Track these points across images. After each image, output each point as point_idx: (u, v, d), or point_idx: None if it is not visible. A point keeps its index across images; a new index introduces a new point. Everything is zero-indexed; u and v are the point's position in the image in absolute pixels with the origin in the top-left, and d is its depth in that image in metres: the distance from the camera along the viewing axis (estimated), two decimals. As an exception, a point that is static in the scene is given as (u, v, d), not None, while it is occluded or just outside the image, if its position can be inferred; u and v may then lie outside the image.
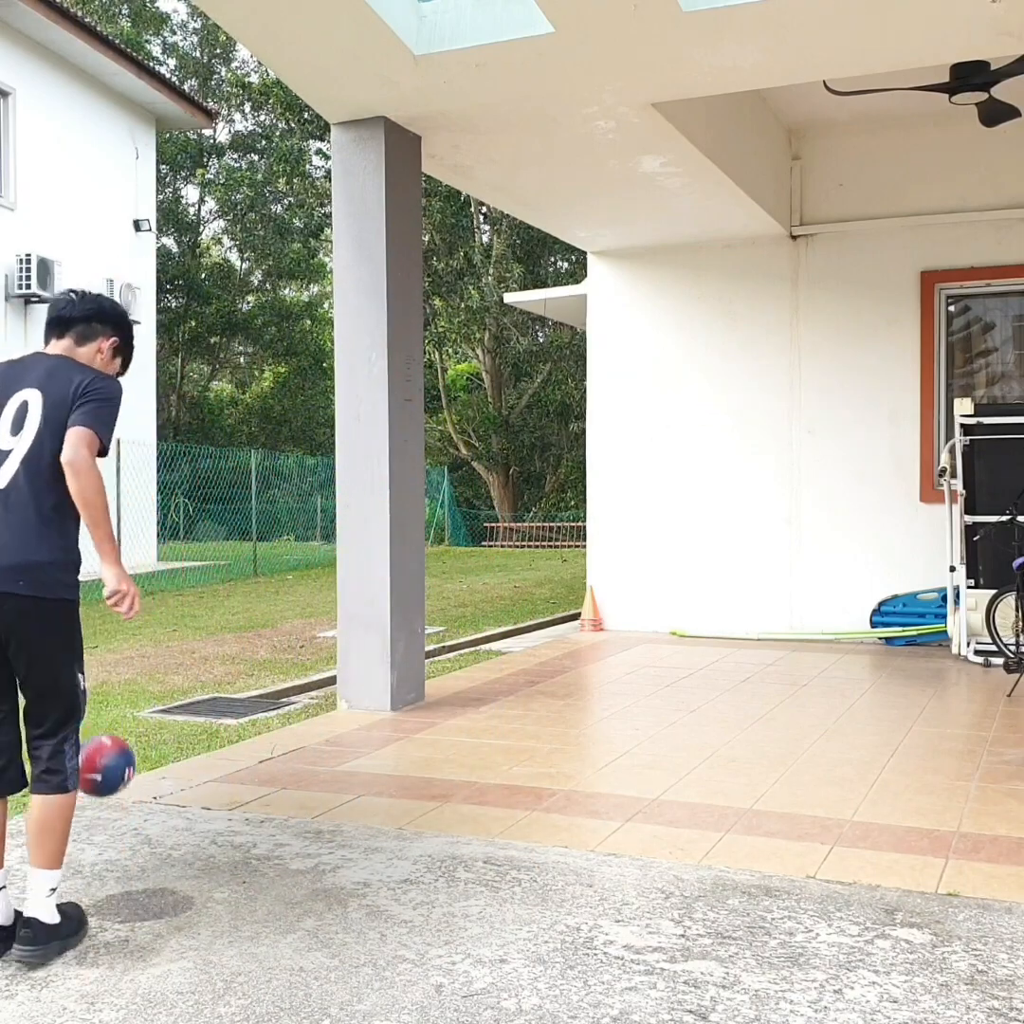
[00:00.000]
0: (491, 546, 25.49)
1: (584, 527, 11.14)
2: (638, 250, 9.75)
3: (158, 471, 17.32)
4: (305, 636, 9.99)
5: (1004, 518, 7.61)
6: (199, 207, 32.18)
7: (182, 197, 31.69)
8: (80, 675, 3.22)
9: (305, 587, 14.87)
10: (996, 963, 3.03)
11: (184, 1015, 2.78)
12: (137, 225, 16.87)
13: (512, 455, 28.49)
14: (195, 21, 30.59)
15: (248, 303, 32.62)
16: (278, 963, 3.05)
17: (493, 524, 27.22)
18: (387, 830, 4.19)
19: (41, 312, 14.83)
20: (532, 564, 18.97)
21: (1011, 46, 5.59)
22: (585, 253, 10.20)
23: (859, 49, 5.72)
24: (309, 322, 33.72)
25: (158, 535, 17.69)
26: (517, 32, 5.69)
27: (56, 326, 3.36)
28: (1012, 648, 7.30)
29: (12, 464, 3.13)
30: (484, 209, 26.06)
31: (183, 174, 30.81)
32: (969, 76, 6.57)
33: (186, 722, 6.28)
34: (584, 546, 10.76)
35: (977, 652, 7.86)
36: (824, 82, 6.89)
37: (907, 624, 8.69)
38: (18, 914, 3.15)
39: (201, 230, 32.41)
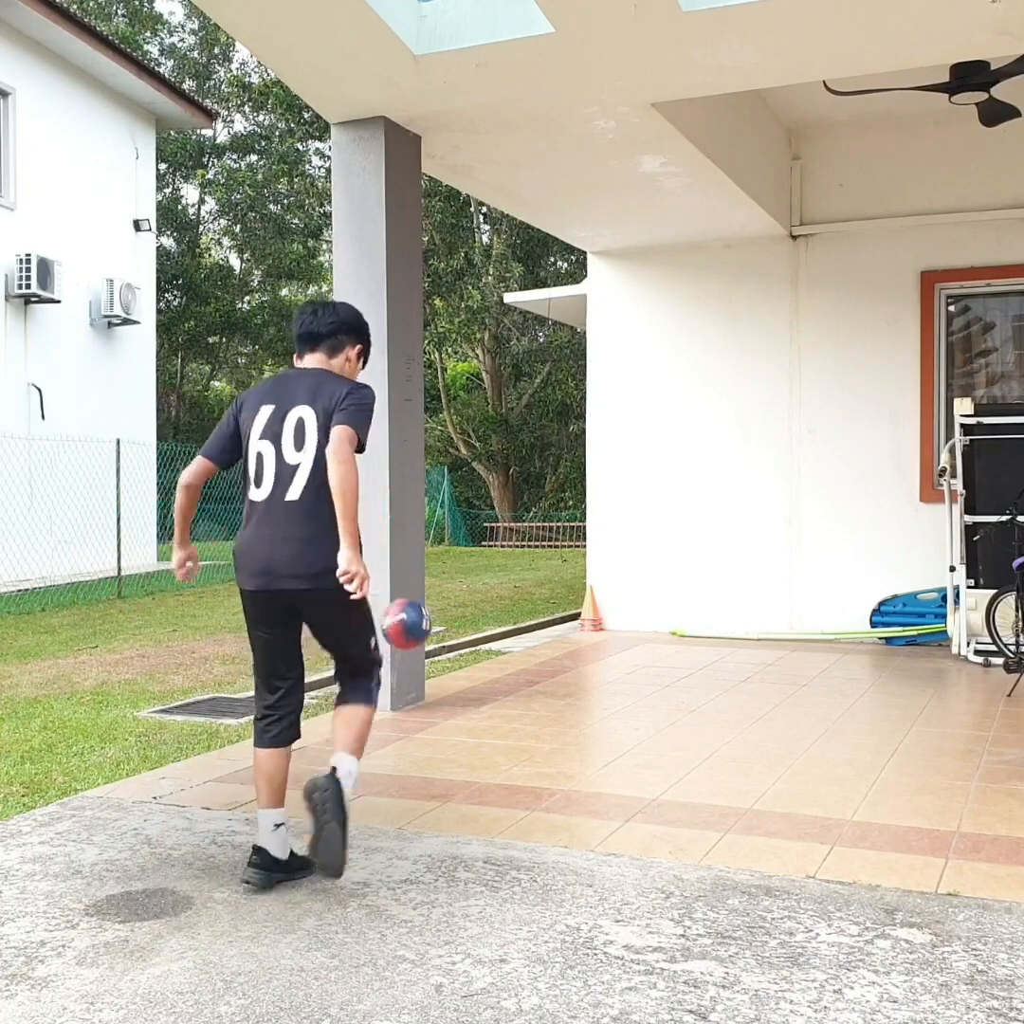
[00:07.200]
0: (491, 546, 25.48)
1: (584, 527, 11.13)
2: (638, 250, 9.75)
3: (158, 471, 17.31)
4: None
5: (1004, 518, 7.61)
6: (199, 207, 32.17)
7: (182, 197, 31.67)
8: (372, 638, 3.83)
9: (305, 587, 14.83)
10: (996, 963, 3.03)
11: (184, 1015, 2.78)
12: (137, 225, 16.86)
13: (512, 455, 28.47)
14: (192, 21, 30.57)
15: (247, 303, 32.61)
16: (278, 963, 3.05)
17: (493, 524, 27.20)
18: (387, 830, 4.19)
19: (41, 312, 14.86)
20: (532, 564, 18.96)
21: (1011, 46, 5.59)
22: (585, 253, 10.20)
23: (859, 49, 5.72)
24: (309, 322, 33.66)
25: (158, 535, 17.69)
26: (517, 32, 5.69)
27: (307, 341, 3.74)
28: (1012, 648, 7.30)
29: (301, 477, 3.52)
30: (484, 209, 26.04)
31: (183, 173, 30.79)
32: (969, 76, 6.57)
33: (186, 722, 6.27)
34: (584, 546, 10.76)
35: (977, 652, 7.86)
36: (824, 82, 6.89)
37: (907, 624, 8.69)
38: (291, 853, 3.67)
39: (200, 230, 32.39)
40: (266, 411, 3.60)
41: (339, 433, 3.45)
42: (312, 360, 3.72)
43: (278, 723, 3.76)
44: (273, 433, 3.57)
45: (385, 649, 4.12)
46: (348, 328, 3.76)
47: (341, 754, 3.67)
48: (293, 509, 3.52)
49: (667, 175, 7.64)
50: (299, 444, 3.53)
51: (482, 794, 4.66)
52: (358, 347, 3.80)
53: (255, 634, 3.80)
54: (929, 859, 3.85)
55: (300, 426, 3.54)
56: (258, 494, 3.59)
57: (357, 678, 3.87)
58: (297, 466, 3.52)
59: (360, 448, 3.54)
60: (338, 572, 3.44)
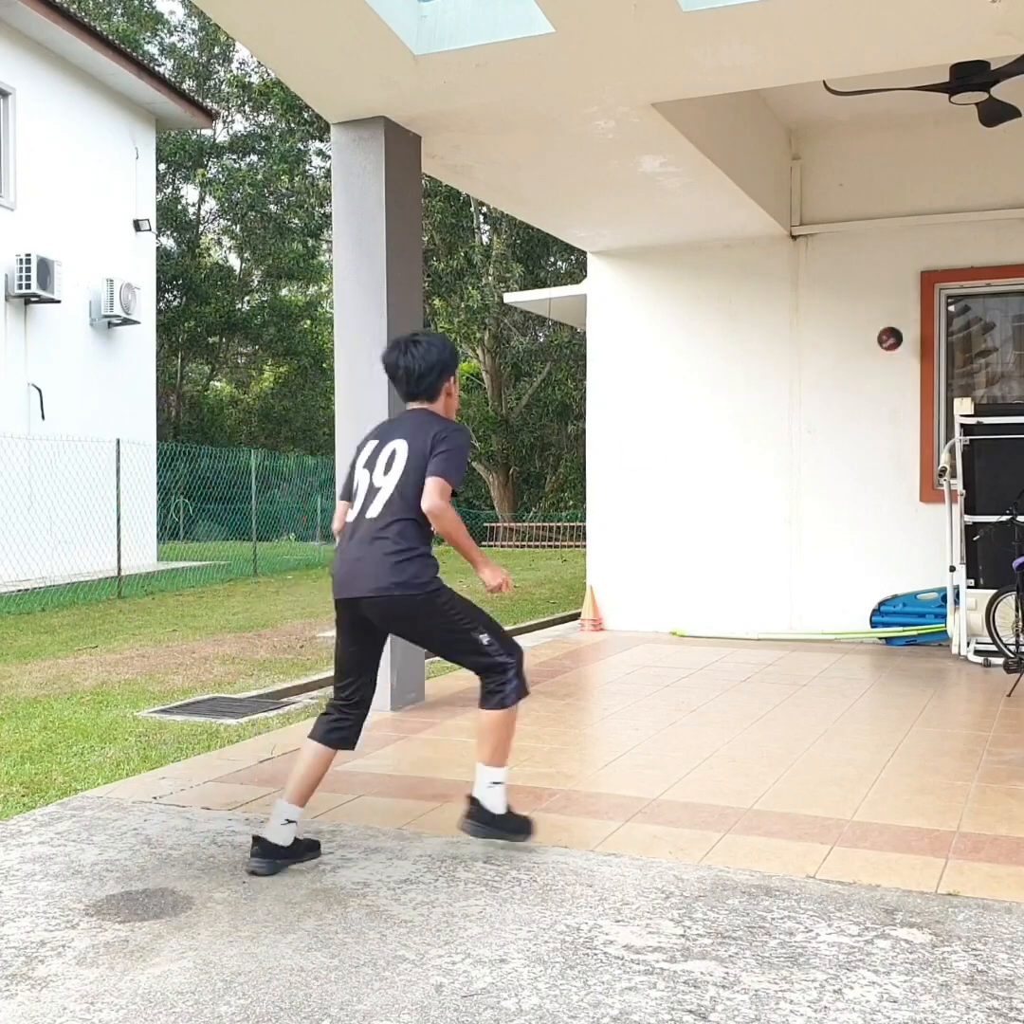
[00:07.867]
0: (491, 546, 25.48)
1: (584, 527, 11.13)
2: (638, 250, 9.75)
3: (158, 471, 17.32)
4: (305, 636, 9.98)
5: (1004, 518, 7.61)
6: (199, 207, 32.17)
7: (181, 197, 31.68)
8: (482, 638, 3.95)
9: (305, 587, 14.87)
10: (996, 963, 3.03)
11: (184, 1015, 2.78)
12: (137, 225, 16.87)
13: (512, 455, 28.47)
14: (192, 21, 30.57)
15: (247, 303, 32.61)
16: (278, 963, 3.05)
17: (493, 524, 27.20)
18: (387, 830, 4.19)
19: (41, 312, 14.86)
20: (532, 564, 18.96)
21: (1011, 46, 5.59)
22: (585, 253, 10.20)
23: (859, 49, 5.72)
24: (309, 322, 33.71)
25: (158, 535, 17.70)
26: (517, 32, 5.69)
27: (405, 396, 4.02)
28: (1012, 648, 7.30)
29: (382, 498, 3.84)
30: (484, 209, 26.05)
31: (183, 173, 30.79)
32: (969, 76, 6.57)
33: (186, 722, 6.27)
34: (584, 546, 10.76)
35: (977, 652, 7.86)
36: (824, 82, 6.89)
37: (907, 624, 8.69)
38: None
39: (200, 230, 32.40)
40: (371, 445, 3.99)
41: (431, 485, 3.73)
42: (415, 405, 4.02)
43: (338, 724, 3.91)
44: (372, 463, 3.94)
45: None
46: (436, 372, 3.96)
47: (480, 767, 3.96)
48: (370, 526, 3.82)
49: (667, 175, 7.64)
50: (387, 470, 3.86)
51: (482, 794, 4.65)
52: (450, 378, 4.03)
53: (338, 639, 4.01)
54: (929, 859, 3.85)
55: (393, 456, 3.87)
56: (351, 514, 3.95)
57: (485, 682, 3.98)
58: (380, 489, 3.85)
59: (454, 492, 3.85)
60: (488, 589, 3.98)
